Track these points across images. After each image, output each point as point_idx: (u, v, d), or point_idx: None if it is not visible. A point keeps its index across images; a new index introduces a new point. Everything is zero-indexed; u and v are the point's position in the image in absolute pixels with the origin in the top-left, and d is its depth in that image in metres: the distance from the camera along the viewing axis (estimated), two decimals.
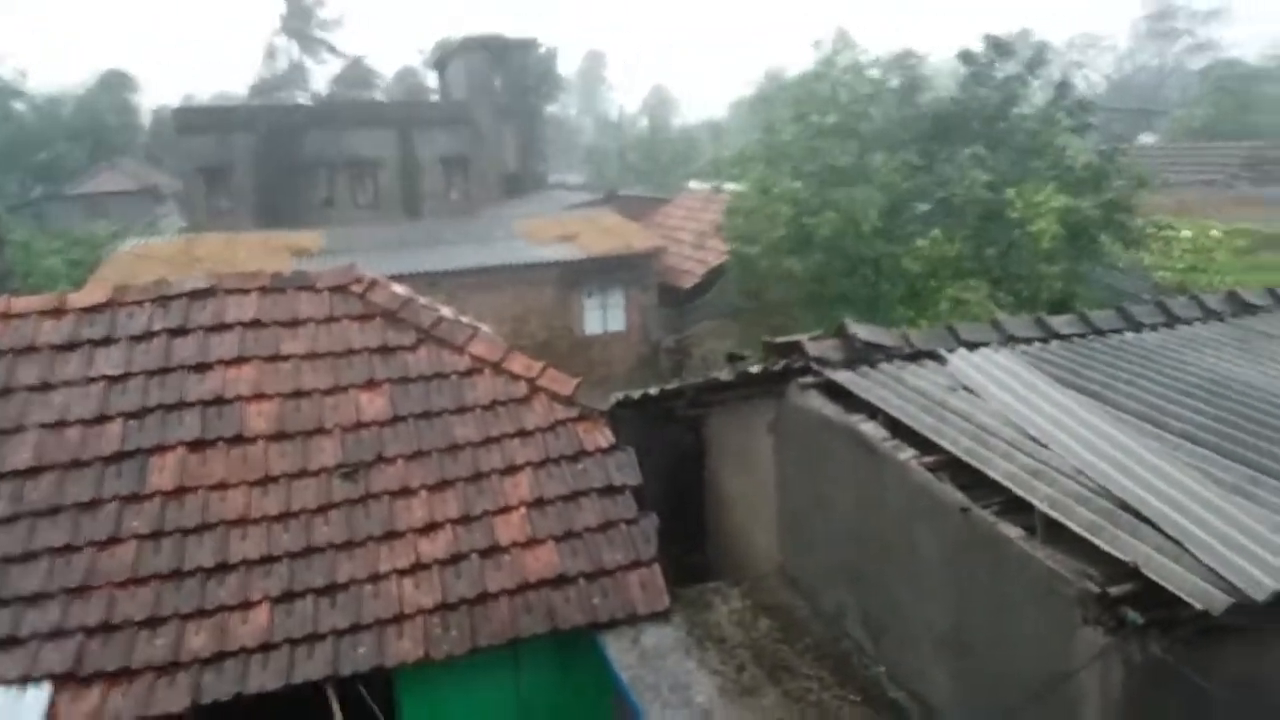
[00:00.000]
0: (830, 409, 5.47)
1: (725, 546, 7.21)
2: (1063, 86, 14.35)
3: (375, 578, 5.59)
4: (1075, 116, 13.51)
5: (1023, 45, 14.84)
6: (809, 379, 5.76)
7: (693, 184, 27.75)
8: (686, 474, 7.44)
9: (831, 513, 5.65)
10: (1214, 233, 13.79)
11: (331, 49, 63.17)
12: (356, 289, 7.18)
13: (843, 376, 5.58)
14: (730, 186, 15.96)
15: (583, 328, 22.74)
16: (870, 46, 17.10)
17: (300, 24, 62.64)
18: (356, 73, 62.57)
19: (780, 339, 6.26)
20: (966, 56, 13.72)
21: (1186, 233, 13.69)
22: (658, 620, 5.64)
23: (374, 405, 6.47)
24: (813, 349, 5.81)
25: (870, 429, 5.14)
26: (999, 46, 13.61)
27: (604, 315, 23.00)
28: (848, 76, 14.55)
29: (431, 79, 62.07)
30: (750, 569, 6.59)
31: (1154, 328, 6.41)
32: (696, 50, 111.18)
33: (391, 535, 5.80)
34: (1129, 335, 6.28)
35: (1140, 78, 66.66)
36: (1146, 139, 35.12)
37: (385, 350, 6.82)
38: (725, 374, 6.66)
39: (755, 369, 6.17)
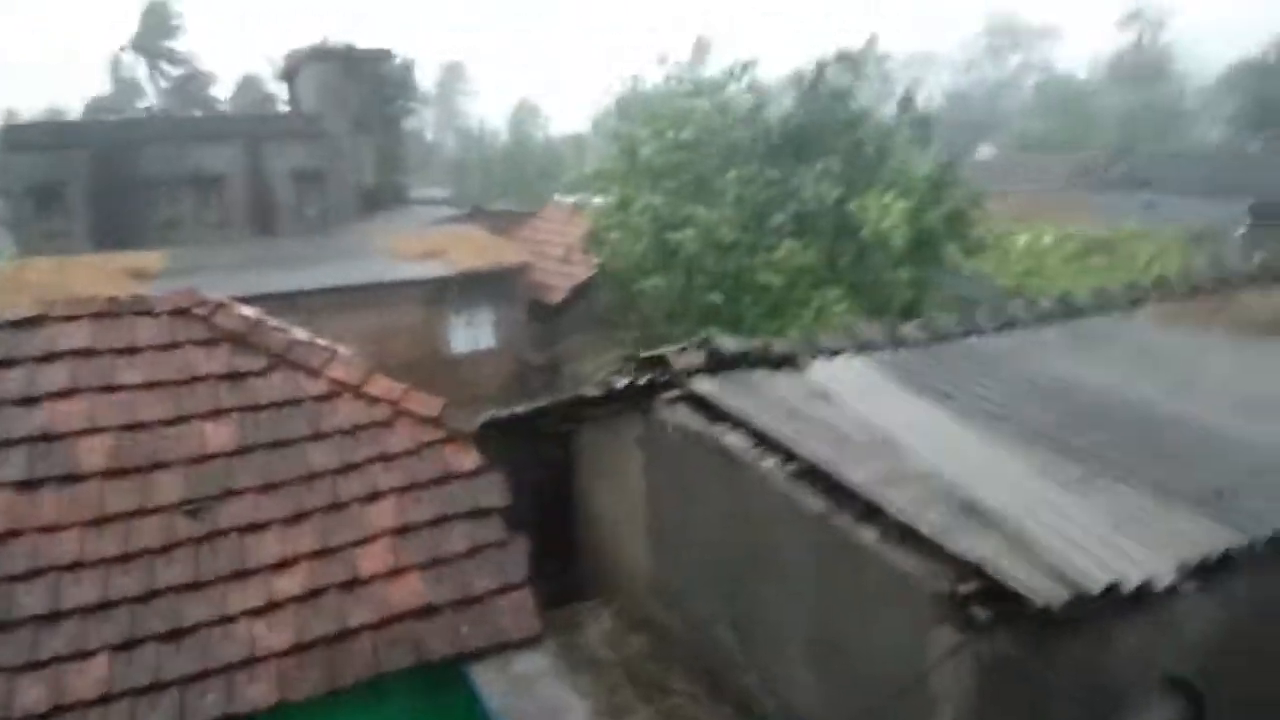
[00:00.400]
0: (695, 421, 5.52)
1: (597, 565, 7.17)
2: (904, 101, 15.10)
3: (224, 619, 5.27)
4: (916, 130, 14.22)
5: (868, 59, 15.49)
6: (675, 392, 5.80)
7: (558, 198, 27.72)
8: (557, 493, 7.36)
9: (700, 524, 5.70)
10: (1046, 239, 14.80)
11: (173, 59, 60.13)
12: (200, 312, 6.79)
13: (706, 388, 5.64)
14: (595, 200, 16.01)
15: (450, 346, 22.26)
16: (724, 58, 17.52)
17: (151, 39, 59.47)
18: (196, 82, 59.66)
19: (646, 353, 6.29)
20: (798, 78, 14.19)
21: (1022, 240, 14.64)
22: (529, 646, 5.54)
23: (220, 435, 6.12)
24: (678, 362, 5.85)
25: (734, 439, 5.21)
26: (836, 61, 14.13)
27: (473, 333, 22.60)
28: (699, 98, 14.84)
29: (280, 89, 59.79)
30: (622, 586, 6.57)
31: (994, 331, 6.77)
32: (560, 60, 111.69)
33: (242, 574, 5.48)
34: (973, 339, 6.61)
35: (977, 93, 71.07)
36: (985, 151, 37.46)
37: (233, 377, 6.47)
38: (593, 390, 6.64)
39: (622, 384, 6.17)
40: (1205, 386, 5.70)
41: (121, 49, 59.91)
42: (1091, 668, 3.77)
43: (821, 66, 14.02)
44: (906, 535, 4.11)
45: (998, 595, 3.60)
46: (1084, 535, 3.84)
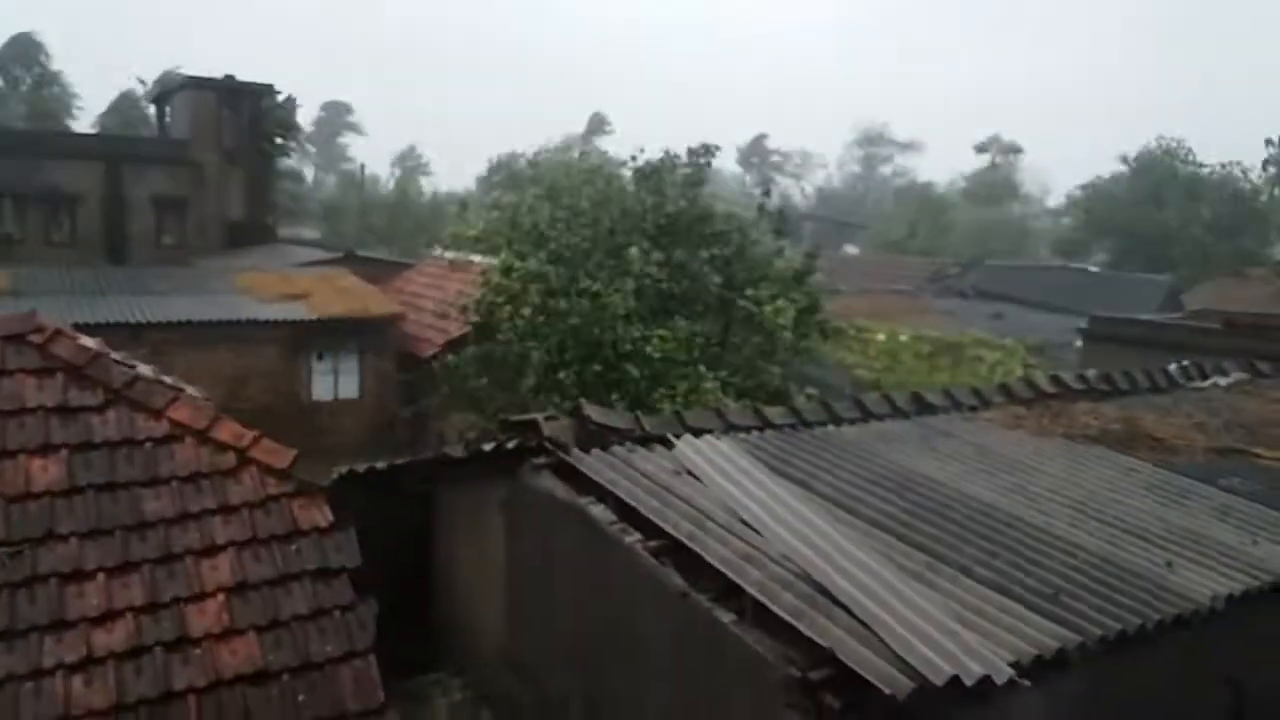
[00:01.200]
0: (561, 489, 5.49)
1: (451, 633, 6.93)
2: (763, 198, 16.12)
3: (38, 673, 4.82)
4: (774, 223, 15.04)
5: (757, 148, 16.31)
6: (542, 459, 5.76)
7: (438, 251, 27.40)
8: (414, 555, 7.12)
9: (559, 594, 5.62)
10: (903, 337, 15.67)
11: (35, 77, 56.96)
12: (35, 339, 6.31)
13: (575, 457, 5.63)
14: (477, 259, 15.95)
15: (311, 393, 21.42)
16: (614, 136, 18.07)
17: (15, 56, 56.20)
18: (52, 95, 56.49)
19: (517, 417, 6.24)
20: (640, 172, 14.81)
21: (881, 336, 15.45)
22: (370, 718, 5.26)
23: (47, 473, 5.65)
24: (548, 429, 5.83)
25: (599, 511, 5.20)
26: (688, 156, 14.86)
27: (335, 381, 21.83)
28: (588, 173, 15.22)
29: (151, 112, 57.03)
30: (476, 655, 6.37)
31: (852, 422, 7.07)
32: (451, 116, 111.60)
33: (60, 624, 5.03)
34: (831, 428, 6.88)
35: (846, 193, 75.51)
36: (850, 249, 39.56)
37: (65, 411, 6.00)
38: (459, 450, 6.51)
39: (489, 446, 6.08)
40: (1040, 489, 6.10)
41: None
42: None
43: (669, 161, 14.73)
44: (762, 616, 4.18)
45: (848, 681, 3.69)
46: (928, 625, 3.99)
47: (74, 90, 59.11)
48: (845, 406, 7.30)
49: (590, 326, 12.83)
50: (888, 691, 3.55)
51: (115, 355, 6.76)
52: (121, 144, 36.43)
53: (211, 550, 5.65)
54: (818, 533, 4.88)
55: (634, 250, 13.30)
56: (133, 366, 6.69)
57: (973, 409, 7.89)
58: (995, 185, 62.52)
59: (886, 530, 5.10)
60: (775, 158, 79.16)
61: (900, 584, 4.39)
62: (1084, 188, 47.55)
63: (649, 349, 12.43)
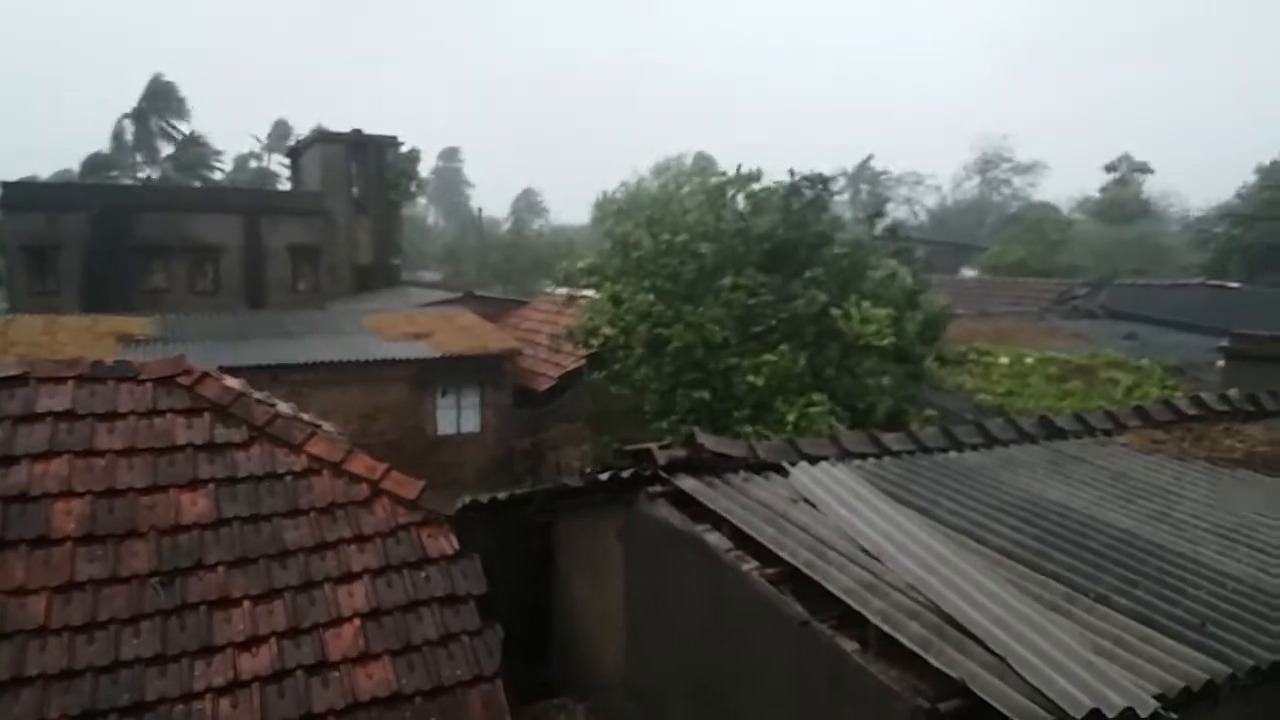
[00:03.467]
0: (677, 518, 5.52)
1: (572, 658, 7.03)
2: (876, 214, 15.68)
3: (188, 696, 5.08)
4: (888, 242, 14.69)
5: (866, 172, 16.08)
6: (658, 487, 5.81)
7: (551, 288, 28.09)
8: (535, 582, 7.27)
9: (677, 623, 5.63)
10: (1029, 360, 15.06)
11: (173, 130, 61.73)
12: (184, 381, 6.77)
13: (690, 486, 5.66)
14: (588, 294, 16.26)
15: (435, 428, 22.22)
16: (724, 165, 18.08)
17: (154, 106, 61.03)
18: (196, 152, 60.95)
19: (631, 447, 6.31)
20: (762, 194, 14.65)
21: (1004, 359, 14.88)
22: None
23: (196, 506, 6.03)
24: (662, 458, 5.89)
25: (715, 539, 5.20)
26: (811, 178, 14.65)
27: (458, 416, 22.58)
28: (698, 197, 15.27)
29: (270, 162, 60.67)
30: (597, 681, 6.43)
31: (974, 448, 6.85)
32: (565, 153, 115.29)
33: (209, 650, 5.32)
34: (952, 454, 6.69)
35: (962, 216, 73.32)
36: (969, 272, 38.36)
37: (212, 448, 6.41)
38: (576, 480, 6.63)
39: (605, 476, 6.17)
40: (1183, 515, 5.77)
41: (125, 116, 61.32)
42: None
43: (795, 184, 14.55)
44: (887, 646, 4.09)
45: (980, 714, 3.57)
46: (1065, 657, 3.82)
47: (214, 146, 63.58)
48: (967, 431, 7.09)
49: (692, 353, 12.87)
50: None
51: (257, 395, 7.18)
52: (259, 197, 38.99)
53: (348, 577, 5.90)
54: (943, 562, 4.74)
55: (727, 280, 13.29)
56: (273, 405, 7.08)
57: (1106, 433, 7.54)
58: (1125, 203, 59.65)
59: (1017, 559, 4.92)
60: (885, 180, 77.84)
61: (1034, 614, 4.23)
62: (1222, 204, 44.99)
63: (752, 377, 12.35)
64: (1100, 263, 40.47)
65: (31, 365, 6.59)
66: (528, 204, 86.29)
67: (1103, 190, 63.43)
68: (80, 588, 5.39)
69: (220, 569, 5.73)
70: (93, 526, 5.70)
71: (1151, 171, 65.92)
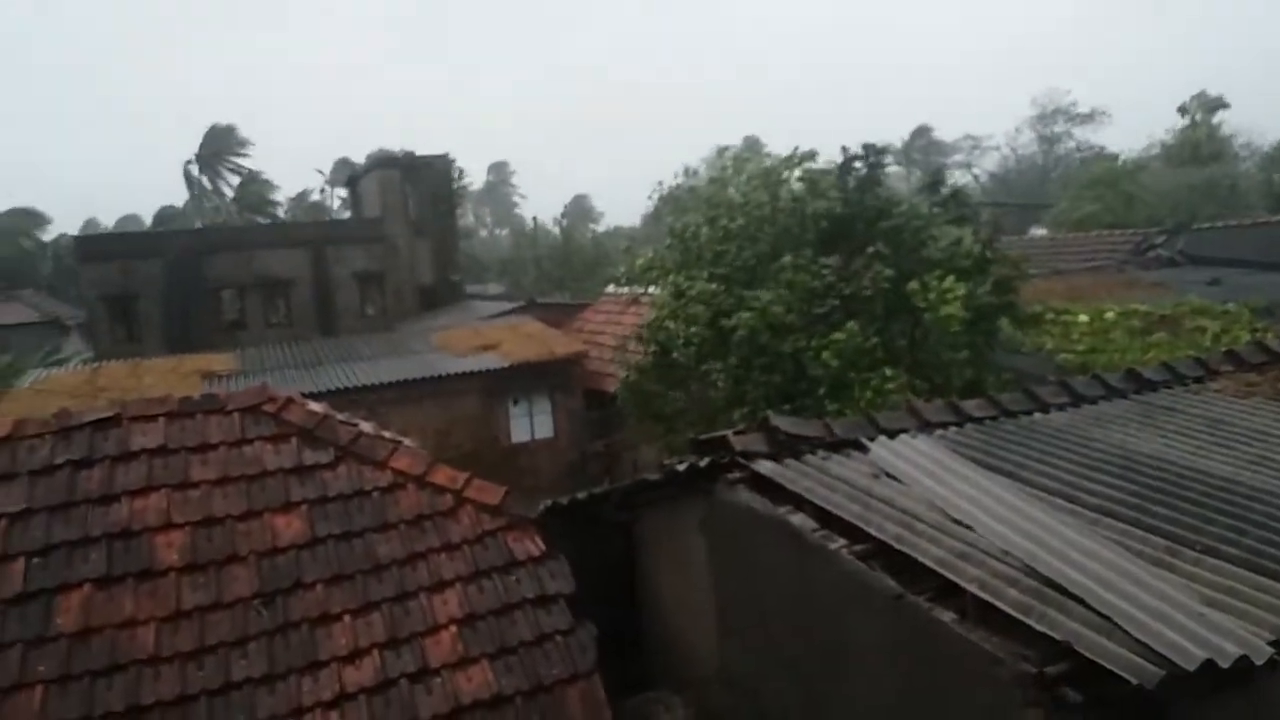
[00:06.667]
0: (758, 502, 5.49)
1: (664, 651, 7.05)
2: (934, 183, 15.25)
3: (299, 712, 5.25)
4: (950, 209, 14.27)
5: (920, 142, 15.70)
6: (736, 474, 5.78)
7: (610, 288, 28.18)
8: (620, 579, 7.31)
9: (767, 607, 5.59)
10: (1109, 314, 14.55)
11: (236, 171, 63.75)
12: (270, 409, 6.99)
13: (768, 469, 5.62)
14: (649, 290, 16.23)
15: (509, 436, 22.52)
16: (776, 148, 17.86)
17: (215, 150, 63.15)
18: (255, 190, 62.90)
19: (706, 436, 6.30)
20: (817, 174, 14.38)
21: (1083, 317, 14.40)
22: None
23: (291, 528, 6.21)
24: (738, 444, 5.86)
25: (799, 520, 5.16)
26: (864, 151, 14.33)
27: (530, 423, 22.84)
28: (754, 181, 15.12)
29: (332, 197, 62.44)
30: (690, 673, 6.43)
31: (1060, 407, 6.66)
32: (612, 155, 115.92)
33: (314, 665, 5.48)
34: (1037, 415, 6.51)
35: (1025, 175, 71.21)
36: (1037, 231, 37.26)
37: (301, 470, 6.60)
38: (654, 474, 6.64)
39: (683, 467, 6.17)
40: None
41: (188, 162, 63.60)
42: None
43: (847, 160, 14.27)
44: (985, 615, 4.00)
45: (1088, 675, 3.47)
46: (1174, 611, 3.69)
47: (273, 182, 65.58)
48: (1051, 391, 6.89)
49: (759, 338, 12.74)
50: (1135, 681, 3.31)
51: (339, 416, 7.36)
52: (323, 229, 40.00)
53: (440, 586, 6.02)
54: (1037, 525, 4.62)
55: (786, 259, 13.12)
56: (355, 425, 7.26)
57: (1197, 380, 7.26)
58: (1200, 145, 57.03)
59: (1115, 516, 4.77)
60: (941, 147, 76.03)
61: (1138, 570, 4.09)
62: None
63: (824, 355, 12.17)
64: (1177, 209, 38.91)
65: (123, 406, 6.88)
66: (579, 210, 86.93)
67: (1174, 133, 60.78)
68: (187, 615, 5.60)
69: (319, 587, 5.89)
70: (194, 556, 5.92)
71: (1228, 106, 62.80)
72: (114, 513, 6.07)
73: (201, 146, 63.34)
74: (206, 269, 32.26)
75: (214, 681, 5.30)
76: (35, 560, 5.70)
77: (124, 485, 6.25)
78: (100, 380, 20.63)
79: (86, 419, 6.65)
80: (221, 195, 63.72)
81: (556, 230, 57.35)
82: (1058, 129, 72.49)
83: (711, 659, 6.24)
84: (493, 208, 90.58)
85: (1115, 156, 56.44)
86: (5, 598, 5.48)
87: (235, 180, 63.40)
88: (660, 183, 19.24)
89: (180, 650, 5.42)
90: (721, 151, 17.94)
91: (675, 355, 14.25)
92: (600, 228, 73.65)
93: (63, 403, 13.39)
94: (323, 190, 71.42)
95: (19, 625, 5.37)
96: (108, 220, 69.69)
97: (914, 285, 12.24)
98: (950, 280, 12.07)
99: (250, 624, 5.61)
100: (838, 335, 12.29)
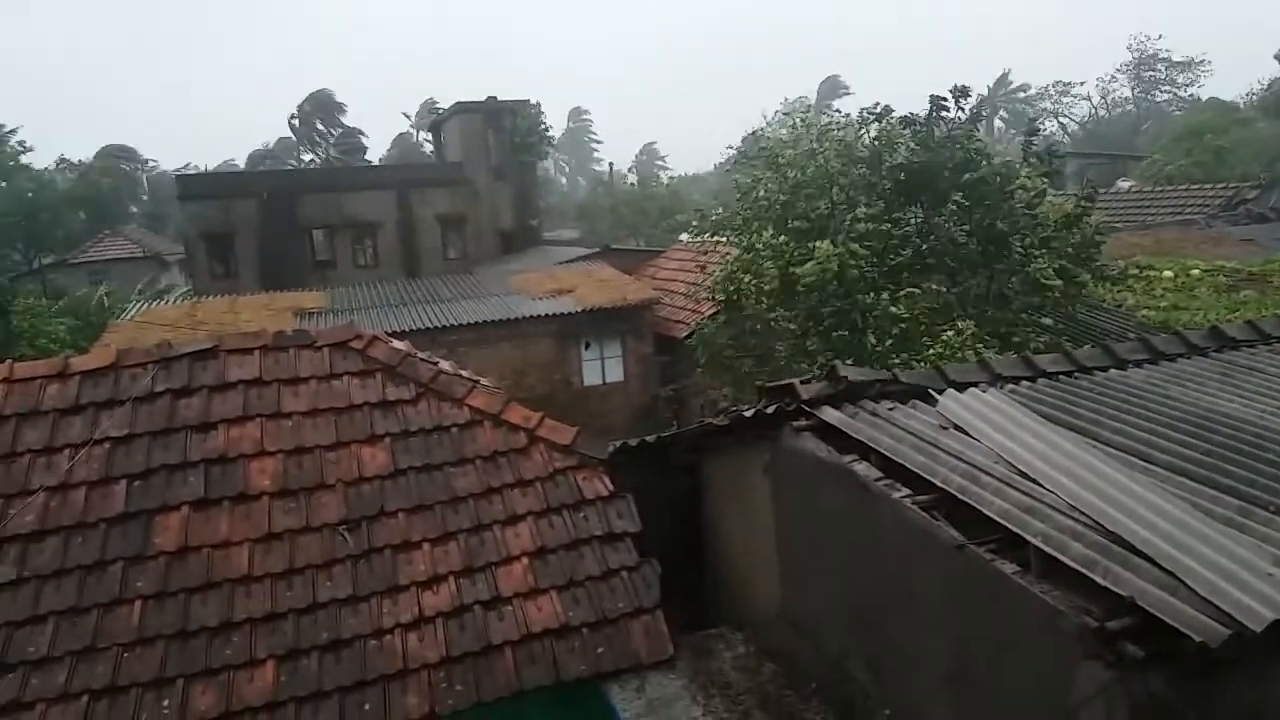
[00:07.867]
0: (823, 450, 5.55)
1: (726, 591, 7.22)
2: (1029, 135, 14.72)
3: (379, 633, 5.60)
4: (1043, 163, 13.79)
5: (1001, 91, 15.19)
6: (802, 421, 5.84)
7: (684, 237, 28.12)
8: (686, 520, 7.48)
9: (830, 553, 5.69)
10: (1194, 271, 14.03)
11: (332, 130, 66.09)
12: (356, 345, 7.30)
13: (834, 417, 5.66)
14: (720, 239, 16.21)
15: (582, 379, 22.89)
16: (854, 97, 17.48)
17: (315, 111, 65.58)
18: (350, 142, 64.90)
19: (774, 383, 6.36)
20: (911, 120, 13.99)
21: (1168, 272, 13.92)
22: (662, 669, 5.64)
23: (375, 460, 6.54)
24: (805, 391, 5.90)
25: (863, 468, 5.21)
26: (951, 98, 13.88)
27: (602, 366, 23.15)
28: (831, 133, 14.85)
29: (422, 140, 63.84)
30: (752, 613, 6.60)
31: (1139, 364, 6.51)
32: (682, 104, 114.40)
33: (394, 589, 5.82)
34: (1114, 372, 6.37)
35: (1117, 124, 67.91)
36: (1124, 184, 35.65)
37: (385, 405, 6.90)
38: (721, 419, 6.74)
39: (749, 413, 6.25)
40: None
41: (291, 118, 65.97)
42: (1250, 711, 3.59)
43: (935, 108, 13.83)
44: (1048, 568, 4.03)
45: (1151, 632, 3.49)
46: (1243, 571, 3.67)
47: (365, 137, 67.75)
48: (1129, 348, 6.73)
49: (827, 291, 12.65)
50: (1199, 640, 3.32)
51: (420, 354, 7.64)
52: (407, 172, 40.77)
53: (513, 520, 6.29)
54: (1107, 481, 4.59)
55: (860, 210, 12.91)
56: (436, 363, 7.54)
57: None
58: None
59: (1187, 475, 4.70)
60: (1027, 97, 72.81)
61: (1207, 529, 4.05)
62: None
63: (895, 310, 12.02)
64: (1273, 163, 36.72)
65: (221, 339, 7.26)
66: (649, 157, 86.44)
67: (1274, 83, 57.00)
68: (278, 538, 5.98)
69: (400, 515, 6.21)
70: (285, 482, 6.29)
71: None
72: (211, 440, 6.47)
73: (303, 103, 65.71)
74: (299, 210, 33.23)
75: (301, 601, 5.67)
76: (136, 483, 6.13)
77: (221, 414, 6.63)
78: (198, 314, 21.62)
79: (186, 350, 7.04)
80: (315, 145, 66.05)
81: (631, 177, 57.14)
82: (1156, 75, 68.67)
83: (773, 600, 6.38)
84: (572, 154, 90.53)
85: (1210, 106, 53.31)
86: (107, 517, 5.91)
87: (330, 135, 65.95)
88: (745, 134, 19.05)
89: (271, 571, 5.80)
90: (786, 115, 17.68)
91: (745, 309, 14.27)
92: (670, 174, 73.15)
93: (163, 335, 14.11)
94: (411, 135, 73.17)
95: (120, 544, 5.80)
96: (203, 164, 72.58)
97: (1002, 239, 12.01)
98: (1041, 236, 11.84)
99: (336, 548, 5.97)
100: (914, 289, 12.14)
